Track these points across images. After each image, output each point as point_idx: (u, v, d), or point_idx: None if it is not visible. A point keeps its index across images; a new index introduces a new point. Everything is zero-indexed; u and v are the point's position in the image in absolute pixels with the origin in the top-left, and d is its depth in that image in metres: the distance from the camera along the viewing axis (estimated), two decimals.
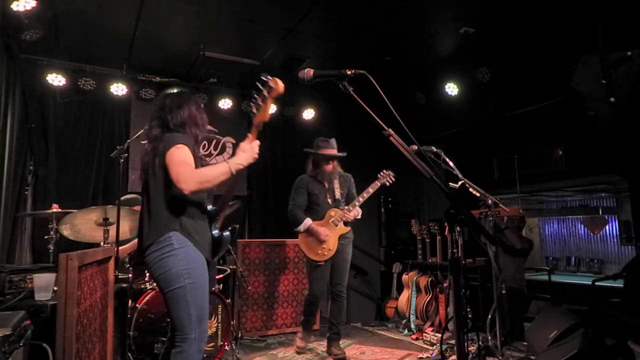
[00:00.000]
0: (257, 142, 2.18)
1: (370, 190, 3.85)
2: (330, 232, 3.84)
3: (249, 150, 2.14)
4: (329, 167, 3.91)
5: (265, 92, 2.15)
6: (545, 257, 9.57)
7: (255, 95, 2.19)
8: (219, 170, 2.05)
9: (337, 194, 3.97)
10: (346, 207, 3.88)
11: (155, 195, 2.09)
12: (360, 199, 3.86)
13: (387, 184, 3.92)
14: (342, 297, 3.93)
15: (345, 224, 3.91)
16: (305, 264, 4.19)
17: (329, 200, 3.95)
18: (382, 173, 3.94)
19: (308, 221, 3.85)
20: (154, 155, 2.10)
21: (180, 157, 2.02)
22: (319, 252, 3.82)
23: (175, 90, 2.43)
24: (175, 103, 2.24)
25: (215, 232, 2.24)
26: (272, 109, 2.17)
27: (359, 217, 3.96)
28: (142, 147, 5.17)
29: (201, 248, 2.11)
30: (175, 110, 2.22)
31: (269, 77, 2.14)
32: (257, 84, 2.18)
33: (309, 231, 3.84)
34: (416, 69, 5.01)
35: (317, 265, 3.83)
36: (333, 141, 3.96)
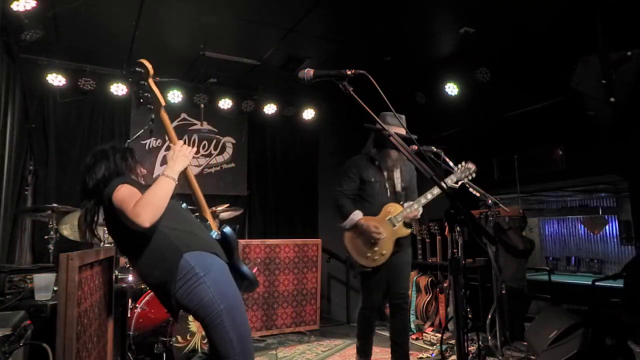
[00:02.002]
0: (180, 142, 2.11)
1: (433, 193, 3.06)
2: (386, 231, 3.02)
3: (176, 155, 2.05)
4: (395, 153, 3.08)
5: (142, 81, 2.08)
6: (545, 257, 9.57)
7: (140, 92, 2.11)
8: (161, 187, 1.92)
9: (399, 186, 3.17)
10: (409, 204, 3.09)
11: (137, 243, 1.94)
12: (423, 200, 3.06)
13: (467, 180, 3.15)
14: (405, 310, 3.17)
15: (406, 225, 3.12)
16: (354, 268, 3.33)
17: (387, 193, 3.13)
18: (459, 166, 3.15)
19: (357, 215, 3.06)
20: (108, 213, 1.98)
21: (122, 195, 1.88)
22: (369, 255, 3.01)
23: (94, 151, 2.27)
24: (100, 158, 2.14)
25: (215, 234, 2.15)
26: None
27: (418, 216, 3.20)
28: (142, 147, 5.22)
29: (220, 253, 2.02)
30: (103, 163, 2.11)
31: (136, 66, 2.06)
32: (130, 78, 2.15)
33: (357, 228, 3.04)
34: (416, 69, 5.01)
35: (367, 271, 3.07)
36: (403, 118, 3.00)
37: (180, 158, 2.04)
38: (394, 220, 3.04)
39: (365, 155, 3.19)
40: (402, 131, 2.73)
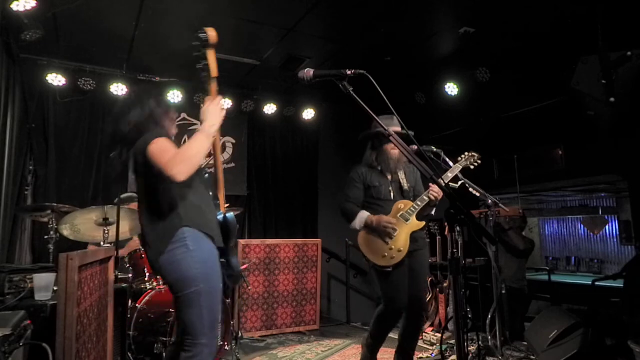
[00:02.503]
0: (219, 97, 2.11)
1: (450, 175, 3.04)
2: (400, 227, 2.91)
3: (215, 108, 2.05)
4: (395, 151, 3.02)
5: (203, 49, 2.10)
6: (545, 257, 9.57)
7: (198, 56, 2.13)
8: (198, 142, 1.96)
9: (405, 186, 3.10)
10: (431, 185, 2.90)
11: (150, 196, 2.01)
12: (445, 180, 2.96)
13: (471, 167, 3.15)
14: (421, 316, 3.05)
15: (419, 217, 2.98)
16: (370, 271, 3.12)
17: (392, 195, 3.06)
18: (464, 155, 3.17)
19: (364, 214, 2.97)
20: (135, 161, 2.01)
21: (158, 148, 1.91)
22: (386, 254, 2.88)
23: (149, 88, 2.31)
24: (126, 108, 2.13)
25: (220, 216, 2.14)
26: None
27: (432, 212, 3.07)
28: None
29: (214, 235, 2.03)
30: (156, 110, 2.13)
31: (202, 32, 2.08)
32: (193, 44, 2.11)
33: (368, 227, 2.94)
34: (416, 69, 5.01)
35: (386, 271, 2.90)
36: (396, 119, 3.00)
37: (216, 113, 2.04)
38: (406, 215, 2.94)
39: (366, 162, 3.16)
40: (399, 129, 2.76)
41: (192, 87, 5.25)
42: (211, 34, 2.06)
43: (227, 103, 5.44)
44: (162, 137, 1.98)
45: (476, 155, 3.16)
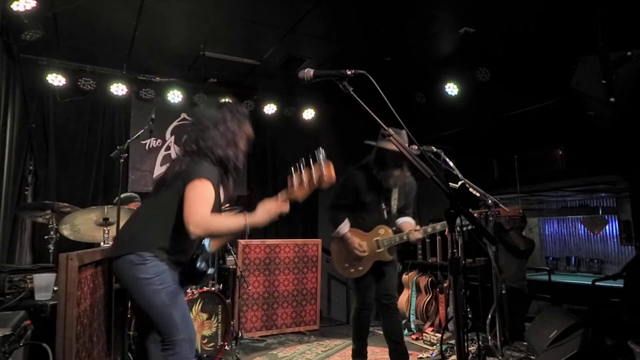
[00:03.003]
0: (286, 206, 1.99)
1: (438, 227, 3.04)
2: (369, 250, 3.04)
3: (273, 213, 1.97)
4: (397, 172, 2.97)
5: (314, 173, 1.91)
6: (545, 257, 9.57)
7: (301, 167, 1.96)
8: (233, 224, 1.92)
9: (394, 208, 3.13)
10: (400, 234, 3.05)
11: (158, 209, 2.01)
12: (430, 230, 3.05)
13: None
14: (393, 309, 3.15)
15: (389, 251, 3.09)
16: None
17: (382, 214, 3.11)
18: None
19: (345, 227, 3.08)
20: (176, 176, 1.99)
21: (200, 193, 1.89)
22: (346, 266, 3.10)
23: (222, 101, 2.19)
24: (212, 121, 2.06)
25: (201, 265, 2.15)
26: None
27: (416, 239, 3.11)
28: (142, 147, 5.22)
29: (173, 270, 2.02)
30: (210, 130, 2.04)
31: (324, 155, 1.91)
32: (310, 157, 1.93)
33: (343, 239, 3.09)
34: (416, 69, 5.01)
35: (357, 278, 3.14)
36: (405, 134, 2.80)
37: (266, 215, 1.97)
38: (380, 243, 3.07)
39: (364, 168, 3.11)
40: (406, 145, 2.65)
41: (192, 87, 5.25)
42: (329, 171, 1.90)
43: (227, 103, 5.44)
44: (210, 179, 1.93)
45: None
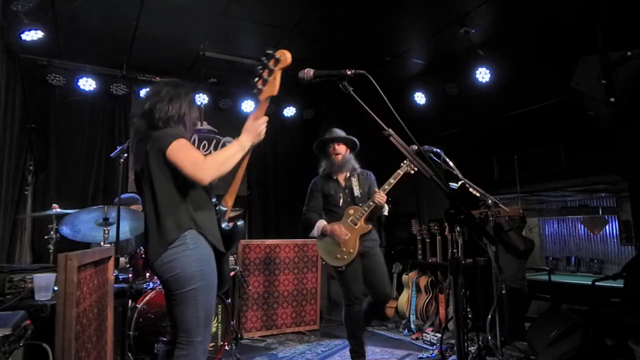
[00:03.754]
0: (265, 118, 2.08)
1: (392, 181, 3.37)
2: (349, 231, 3.33)
3: (253, 128, 2.06)
4: (338, 156, 3.46)
5: (271, 65, 2.03)
6: (545, 257, 9.56)
7: (260, 70, 2.07)
8: (231, 151, 1.99)
9: (356, 192, 3.47)
10: (377, 191, 3.34)
11: (160, 195, 1.98)
12: (387, 187, 3.34)
13: (411, 172, 3.44)
14: (383, 302, 3.50)
15: (368, 221, 3.38)
16: (334, 273, 3.61)
17: (347, 199, 3.46)
18: (404, 162, 3.44)
19: (321, 223, 3.42)
20: (147, 155, 1.99)
21: (185, 149, 1.92)
22: (338, 255, 3.32)
23: (172, 81, 2.27)
24: (168, 96, 2.11)
25: (224, 225, 2.15)
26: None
27: (385, 212, 3.46)
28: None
29: (214, 241, 2.03)
30: (165, 103, 2.08)
31: (273, 49, 2.04)
32: (262, 59, 2.06)
33: (324, 234, 3.39)
34: (416, 69, 5.01)
35: (340, 270, 3.34)
36: (338, 130, 3.57)
37: (254, 132, 2.06)
38: (354, 219, 3.34)
39: (321, 176, 3.57)
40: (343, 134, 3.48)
41: (192, 87, 5.24)
42: (285, 57, 2.02)
43: (227, 103, 5.44)
44: (183, 137, 1.98)
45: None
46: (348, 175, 3.51)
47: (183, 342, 1.94)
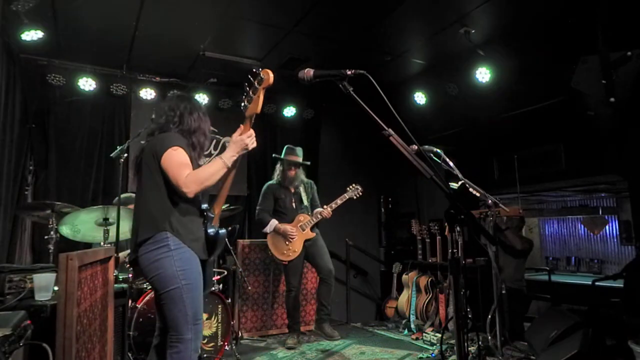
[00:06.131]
0: (251, 132, 2.21)
1: (339, 201, 4.19)
2: (297, 234, 4.12)
3: (238, 141, 2.17)
4: (292, 172, 4.21)
5: (256, 84, 2.15)
6: (545, 257, 9.56)
7: (247, 88, 2.21)
8: (214, 168, 2.09)
9: (304, 200, 4.29)
10: (317, 210, 4.24)
11: (148, 194, 2.10)
12: (334, 205, 4.18)
13: (355, 197, 4.26)
14: (331, 280, 4.19)
15: (312, 229, 4.21)
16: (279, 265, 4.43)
17: (294, 205, 4.25)
18: (351, 187, 4.27)
19: (274, 222, 4.14)
20: (149, 154, 2.12)
21: (177, 159, 2.04)
22: (285, 252, 4.11)
23: (186, 95, 2.45)
24: (188, 109, 2.28)
25: (211, 230, 2.22)
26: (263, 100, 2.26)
27: (328, 217, 4.22)
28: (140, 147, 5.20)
29: (195, 249, 2.10)
30: (186, 115, 2.25)
31: (259, 68, 2.15)
32: (249, 76, 2.18)
33: (275, 231, 4.13)
34: (416, 68, 5.01)
35: (284, 264, 4.16)
36: (299, 150, 4.30)
37: (240, 145, 2.19)
38: (303, 226, 4.17)
39: (275, 181, 4.29)
40: (298, 159, 4.24)
41: (192, 87, 5.25)
42: (268, 77, 2.12)
43: (227, 103, 5.44)
44: (180, 146, 2.10)
45: (359, 188, 4.26)
46: (297, 184, 4.28)
47: (174, 340, 2.01)
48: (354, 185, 4.29)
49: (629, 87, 3.09)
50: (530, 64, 4.20)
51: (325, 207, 4.17)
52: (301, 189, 4.29)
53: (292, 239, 4.09)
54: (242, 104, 2.24)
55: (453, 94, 4.87)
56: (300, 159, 4.28)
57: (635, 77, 3.06)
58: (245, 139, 2.18)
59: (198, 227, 2.17)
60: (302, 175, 4.33)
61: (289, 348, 4.12)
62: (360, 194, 4.27)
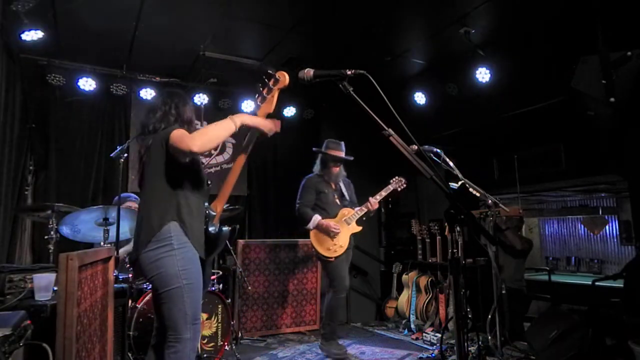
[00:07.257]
0: (278, 123, 2.26)
1: (383, 193, 4.00)
2: (342, 228, 3.87)
3: (262, 119, 2.17)
4: (336, 168, 4.02)
5: (271, 84, 2.16)
6: (545, 257, 9.56)
7: (260, 87, 2.21)
8: (222, 125, 2.06)
9: (346, 195, 4.08)
10: (370, 199, 3.95)
11: (153, 188, 2.09)
12: (378, 197, 3.96)
13: (398, 189, 4.09)
14: (345, 292, 3.99)
15: (358, 223, 3.98)
16: (322, 263, 4.10)
17: (337, 201, 4.03)
18: (395, 179, 4.10)
19: (317, 217, 3.89)
20: (157, 144, 2.11)
21: (180, 133, 2.03)
22: (330, 248, 3.84)
23: (174, 90, 2.46)
24: (181, 101, 2.29)
25: (212, 228, 2.22)
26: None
27: (374, 208, 3.98)
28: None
29: (197, 245, 2.10)
30: (181, 106, 2.26)
31: (275, 70, 2.18)
32: (263, 77, 2.19)
33: (319, 227, 3.87)
34: (416, 68, 5.00)
35: (330, 261, 3.83)
36: (342, 144, 4.08)
37: (261, 122, 2.17)
38: (348, 220, 3.94)
39: (316, 175, 4.08)
40: (343, 154, 4.00)
41: (192, 87, 5.25)
42: (284, 78, 2.15)
43: (227, 103, 5.44)
44: (181, 128, 2.11)
45: (403, 180, 4.12)
46: (339, 180, 4.11)
47: (172, 340, 2.00)
48: (397, 177, 4.12)
49: (629, 87, 3.09)
50: (530, 64, 4.20)
51: (370, 199, 3.95)
52: (341, 184, 4.11)
53: (337, 233, 3.84)
54: (256, 104, 2.25)
55: (453, 94, 4.86)
56: (343, 154, 4.05)
57: (635, 77, 3.06)
58: (270, 123, 2.19)
59: (200, 225, 2.17)
60: (344, 172, 4.16)
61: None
62: (405, 185, 4.12)
